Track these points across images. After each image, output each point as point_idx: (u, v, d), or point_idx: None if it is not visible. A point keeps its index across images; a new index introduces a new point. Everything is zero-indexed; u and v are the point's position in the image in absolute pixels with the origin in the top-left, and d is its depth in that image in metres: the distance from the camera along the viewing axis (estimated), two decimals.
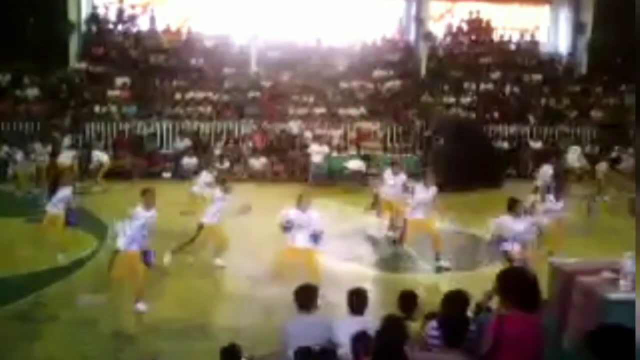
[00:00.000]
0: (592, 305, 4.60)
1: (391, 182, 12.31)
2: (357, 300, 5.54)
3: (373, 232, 12.63)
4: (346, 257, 10.88)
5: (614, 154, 19.45)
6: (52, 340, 7.44)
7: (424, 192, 10.49)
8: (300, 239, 8.58)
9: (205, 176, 13.51)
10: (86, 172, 17.57)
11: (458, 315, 4.39)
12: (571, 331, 4.75)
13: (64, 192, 10.47)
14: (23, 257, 10.39)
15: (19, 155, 16.83)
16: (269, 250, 9.49)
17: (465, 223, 13.26)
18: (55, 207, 10.38)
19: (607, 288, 4.67)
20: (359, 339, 4.79)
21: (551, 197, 10.87)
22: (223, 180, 11.32)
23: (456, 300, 5.24)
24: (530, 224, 8.78)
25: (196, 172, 17.71)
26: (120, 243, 8.16)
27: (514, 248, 8.49)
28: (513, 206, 8.70)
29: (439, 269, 10.32)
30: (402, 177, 12.26)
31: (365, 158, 18.88)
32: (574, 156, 19.49)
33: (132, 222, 8.04)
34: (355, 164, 18.29)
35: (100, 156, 17.60)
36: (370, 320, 5.20)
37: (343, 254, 10.93)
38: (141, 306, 8.17)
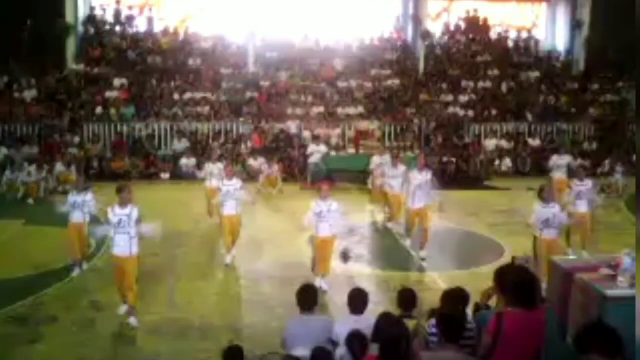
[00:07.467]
0: (590, 302, 4.60)
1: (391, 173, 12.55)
2: (357, 300, 5.54)
3: (373, 231, 12.63)
4: None
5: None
6: (51, 342, 7.42)
7: (420, 177, 10.93)
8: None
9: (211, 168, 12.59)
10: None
11: (457, 312, 4.40)
12: (572, 328, 4.75)
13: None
14: (21, 259, 10.36)
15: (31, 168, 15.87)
16: (271, 249, 9.45)
17: (461, 220, 13.26)
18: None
19: (605, 285, 4.66)
20: (354, 338, 4.79)
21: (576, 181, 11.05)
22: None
23: (455, 297, 5.26)
24: (558, 210, 9.06)
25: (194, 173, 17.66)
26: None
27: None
28: (541, 192, 9.16)
29: (423, 259, 10.63)
30: (402, 169, 12.45)
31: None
32: None
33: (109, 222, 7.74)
34: None
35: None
36: (370, 319, 5.20)
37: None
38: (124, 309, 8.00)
